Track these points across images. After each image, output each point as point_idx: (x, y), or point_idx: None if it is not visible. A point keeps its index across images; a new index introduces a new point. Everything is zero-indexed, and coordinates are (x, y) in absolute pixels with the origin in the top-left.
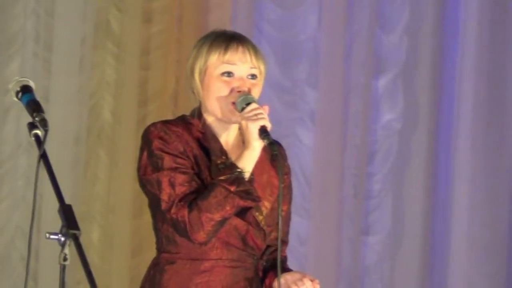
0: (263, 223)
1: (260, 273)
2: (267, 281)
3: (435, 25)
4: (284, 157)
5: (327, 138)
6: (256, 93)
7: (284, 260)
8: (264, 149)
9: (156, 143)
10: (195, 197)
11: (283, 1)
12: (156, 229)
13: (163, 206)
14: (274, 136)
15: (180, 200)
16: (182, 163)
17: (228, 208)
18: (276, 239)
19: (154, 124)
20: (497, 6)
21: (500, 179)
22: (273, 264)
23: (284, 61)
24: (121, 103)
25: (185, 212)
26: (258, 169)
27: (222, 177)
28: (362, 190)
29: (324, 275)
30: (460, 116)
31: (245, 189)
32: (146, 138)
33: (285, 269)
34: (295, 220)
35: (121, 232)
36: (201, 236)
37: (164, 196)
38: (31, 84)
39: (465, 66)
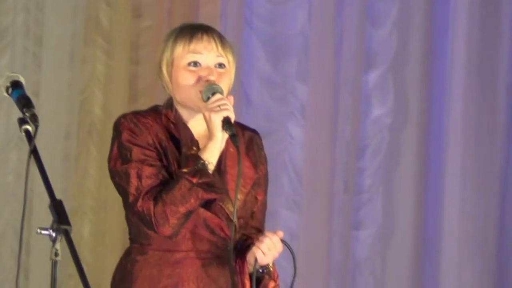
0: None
1: (234, 263)
2: (239, 261)
3: (425, 19)
4: (260, 147)
5: (318, 133)
6: (225, 83)
7: None
8: (240, 140)
9: (125, 134)
10: (161, 189)
11: None
12: (127, 220)
13: (131, 198)
14: (264, 130)
15: (146, 193)
16: (150, 155)
17: (192, 200)
18: (251, 228)
19: (124, 116)
20: (487, 0)
21: (491, 174)
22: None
23: (274, 55)
24: (111, 98)
25: (151, 205)
26: (231, 160)
27: (185, 169)
28: (352, 185)
29: (314, 269)
30: (450, 111)
31: (208, 181)
32: (116, 130)
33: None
34: (285, 215)
35: (112, 227)
36: (166, 229)
37: (132, 189)
38: (21, 79)
39: (455, 60)
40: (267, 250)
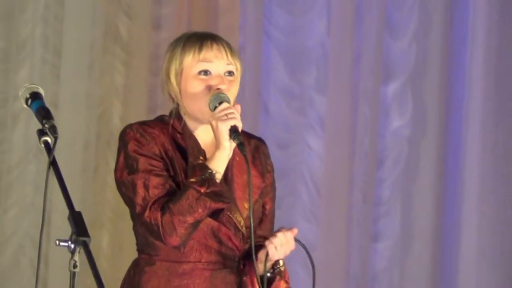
0: (242, 224)
1: (241, 274)
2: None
3: (444, 31)
4: (266, 155)
5: (336, 145)
6: (233, 91)
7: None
8: (246, 149)
9: (132, 145)
10: (168, 199)
11: (291, 7)
12: (135, 230)
13: (138, 209)
14: (282, 141)
15: (153, 203)
16: (157, 165)
17: (200, 210)
18: (259, 237)
19: (130, 126)
20: (506, 11)
21: (510, 185)
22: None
23: (293, 67)
24: (130, 109)
25: (158, 215)
26: (238, 169)
27: (193, 179)
28: (371, 196)
29: (332, 281)
30: (469, 122)
31: (216, 191)
32: (123, 140)
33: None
34: (303, 226)
35: (130, 238)
36: (174, 239)
37: (139, 199)
38: (41, 91)
39: (474, 72)
40: (279, 245)
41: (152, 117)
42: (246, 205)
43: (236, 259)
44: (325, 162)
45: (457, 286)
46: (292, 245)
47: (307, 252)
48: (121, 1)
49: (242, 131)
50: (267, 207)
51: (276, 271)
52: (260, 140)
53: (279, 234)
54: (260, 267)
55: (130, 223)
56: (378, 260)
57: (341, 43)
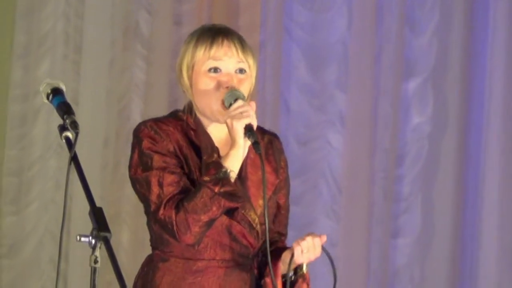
0: (256, 221)
1: (256, 271)
2: (267, 279)
3: (465, 27)
4: (280, 151)
5: (357, 141)
6: (245, 88)
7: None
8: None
9: (146, 142)
10: (182, 198)
11: (312, 4)
12: (149, 227)
13: (152, 206)
14: (303, 138)
15: (168, 201)
16: (171, 162)
17: (214, 209)
18: (274, 232)
19: (144, 123)
20: None
21: None
22: (274, 250)
23: (314, 64)
24: (150, 105)
25: (172, 213)
26: (252, 166)
27: (207, 178)
28: (391, 193)
29: (353, 277)
30: (490, 119)
31: (230, 190)
32: (137, 137)
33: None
34: (324, 223)
35: None
36: (188, 237)
37: (153, 197)
38: (62, 86)
39: (495, 68)
40: (305, 249)
41: None
42: (261, 203)
43: (250, 257)
44: (346, 158)
45: (477, 282)
46: (318, 252)
47: (332, 263)
48: None
49: (257, 126)
50: (281, 202)
51: (298, 273)
52: (273, 135)
53: (308, 238)
54: (282, 268)
55: None
56: (399, 257)
57: (361, 40)
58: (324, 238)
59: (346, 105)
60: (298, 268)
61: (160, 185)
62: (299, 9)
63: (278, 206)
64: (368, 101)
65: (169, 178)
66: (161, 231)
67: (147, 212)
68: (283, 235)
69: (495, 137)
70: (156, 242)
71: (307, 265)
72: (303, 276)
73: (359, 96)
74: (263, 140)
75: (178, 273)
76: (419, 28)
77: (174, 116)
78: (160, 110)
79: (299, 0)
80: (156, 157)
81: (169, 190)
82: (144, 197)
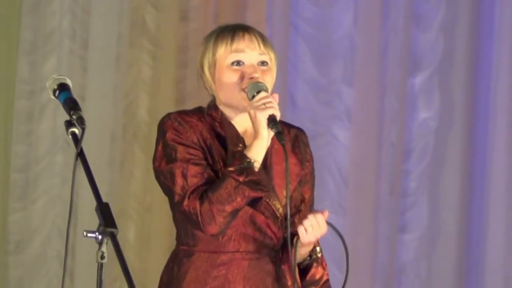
0: (280, 211)
1: (280, 263)
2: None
3: (471, 23)
4: (305, 144)
5: (363, 136)
6: (268, 80)
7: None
8: (285, 138)
9: (170, 133)
10: (206, 188)
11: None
12: (175, 221)
13: (176, 198)
14: (310, 133)
15: (192, 192)
16: (195, 153)
17: (239, 199)
18: (297, 226)
19: (168, 115)
20: None
21: None
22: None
23: (320, 59)
24: (157, 101)
25: (197, 204)
26: (277, 157)
27: (231, 168)
28: (398, 188)
29: (360, 272)
30: (496, 114)
31: (254, 179)
32: (161, 129)
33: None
34: (331, 218)
35: (157, 230)
36: (213, 228)
37: (177, 188)
38: (68, 82)
39: (501, 64)
40: (309, 227)
41: (179, 109)
42: (285, 193)
43: (275, 248)
44: (352, 153)
45: (484, 277)
46: (323, 228)
47: (340, 235)
48: None
49: (282, 121)
50: (306, 196)
51: (313, 257)
52: (299, 129)
53: (310, 216)
54: (297, 255)
55: (156, 215)
56: (405, 252)
57: (368, 35)
58: (326, 213)
59: (353, 100)
60: (312, 252)
61: (184, 176)
62: (305, 4)
63: (303, 200)
64: (375, 96)
65: (193, 170)
66: (186, 223)
67: (172, 205)
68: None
69: (501, 132)
70: (181, 236)
71: (320, 248)
72: (317, 259)
73: (366, 91)
74: (289, 134)
75: (202, 267)
76: (425, 23)
77: (198, 110)
78: (167, 105)
79: None
80: (180, 149)
81: (194, 181)
82: (168, 189)
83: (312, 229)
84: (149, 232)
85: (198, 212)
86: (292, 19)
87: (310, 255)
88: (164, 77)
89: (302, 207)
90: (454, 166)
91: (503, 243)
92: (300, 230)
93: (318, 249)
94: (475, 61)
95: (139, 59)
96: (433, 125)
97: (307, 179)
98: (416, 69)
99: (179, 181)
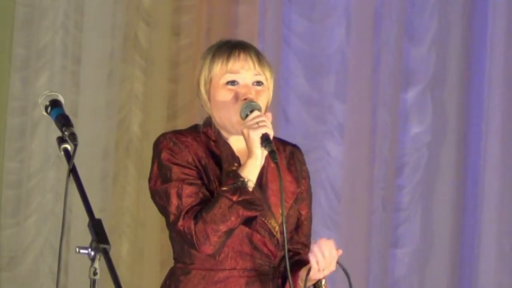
0: (276, 229)
1: (279, 281)
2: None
3: (463, 37)
4: (301, 162)
5: (356, 151)
6: (263, 100)
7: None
8: (280, 156)
9: (165, 154)
10: (201, 208)
11: (310, 14)
12: (171, 239)
13: (171, 218)
14: (302, 148)
15: (187, 212)
16: (190, 173)
17: (233, 218)
18: (297, 243)
19: (164, 135)
20: None
21: None
22: (294, 265)
23: (312, 74)
24: (149, 116)
25: (191, 224)
26: (272, 175)
27: (225, 188)
28: (390, 202)
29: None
30: (489, 129)
31: (247, 199)
32: (156, 149)
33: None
34: (323, 233)
35: (150, 245)
36: (207, 247)
37: (172, 208)
38: (60, 98)
39: (493, 78)
40: (322, 267)
41: (171, 124)
42: (281, 211)
43: (272, 266)
44: (345, 168)
45: None
46: (333, 267)
47: (348, 278)
48: (141, 9)
49: (277, 138)
50: (303, 212)
51: None
52: (295, 146)
53: (326, 253)
54: (300, 285)
55: (149, 231)
56: (398, 266)
57: (360, 50)
58: (340, 251)
59: (345, 115)
60: (317, 284)
61: (179, 196)
62: (297, 19)
63: (300, 217)
64: (367, 111)
65: (188, 189)
66: (182, 242)
67: (167, 224)
68: (307, 246)
69: (494, 146)
70: (178, 254)
71: (325, 280)
72: None
73: (358, 106)
74: (285, 152)
75: (200, 285)
76: (418, 37)
77: (193, 129)
78: (160, 121)
79: (297, 10)
80: (175, 169)
81: (188, 201)
82: (163, 209)
83: (323, 267)
84: (142, 247)
85: (193, 232)
86: (284, 34)
87: (315, 285)
88: (156, 92)
89: (299, 224)
90: (447, 180)
91: (496, 257)
92: (313, 268)
93: (323, 281)
94: (467, 75)
95: (132, 74)
96: (425, 140)
97: (304, 196)
98: (409, 83)
99: (174, 201)
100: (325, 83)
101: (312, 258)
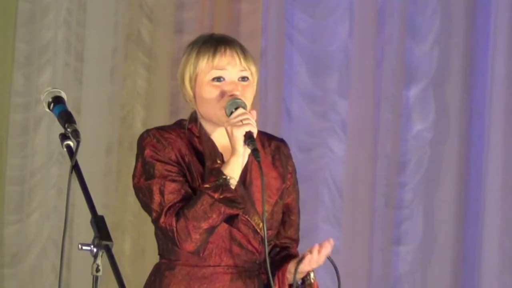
0: (260, 226)
1: (263, 277)
2: (276, 278)
3: (466, 34)
4: (287, 156)
5: (358, 148)
6: (248, 96)
7: (296, 255)
8: (265, 151)
9: (148, 150)
10: (183, 205)
11: (313, 11)
12: (156, 235)
13: (154, 215)
14: (305, 145)
15: (169, 209)
16: (173, 170)
17: (214, 216)
18: (284, 238)
19: (147, 131)
20: None
21: None
22: (282, 260)
23: (315, 71)
24: (152, 113)
25: (173, 221)
26: (257, 172)
27: (207, 185)
28: (393, 200)
29: (355, 285)
30: (491, 126)
31: (229, 197)
32: (140, 146)
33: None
34: (326, 230)
35: (152, 242)
36: (189, 244)
37: (155, 205)
38: (63, 95)
39: (496, 75)
40: (312, 263)
41: (174, 121)
42: (266, 208)
43: (257, 262)
44: (347, 165)
45: None
46: (322, 261)
47: (336, 271)
48: (143, 6)
49: (263, 133)
50: (291, 207)
51: (306, 282)
52: (281, 141)
53: (314, 251)
54: (288, 277)
55: (152, 227)
56: (401, 264)
57: (363, 47)
58: (332, 242)
59: (348, 112)
60: (305, 277)
61: (162, 193)
62: (300, 16)
63: (288, 212)
64: (370, 108)
65: (170, 186)
66: (165, 239)
67: (152, 221)
68: (295, 240)
69: (496, 143)
70: (163, 251)
71: (314, 274)
72: (310, 285)
73: (361, 103)
74: (270, 147)
75: (184, 280)
76: (420, 35)
77: (178, 124)
78: (162, 117)
79: (300, 7)
80: (158, 166)
81: (170, 198)
82: (146, 206)
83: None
84: (144, 244)
85: (174, 229)
86: (287, 31)
87: (303, 280)
88: (159, 89)
89: (286, 219)
90: (449, 177)
91: (499, 254)
92: (303, 263)
93: (312, 275)
94: (470, 72)
95: (134, 71)
96: (428, 137)
97: (290, 190)
98: (411, 80)
99: (157, 197)
100: (328, 80)
101: (307, 253)
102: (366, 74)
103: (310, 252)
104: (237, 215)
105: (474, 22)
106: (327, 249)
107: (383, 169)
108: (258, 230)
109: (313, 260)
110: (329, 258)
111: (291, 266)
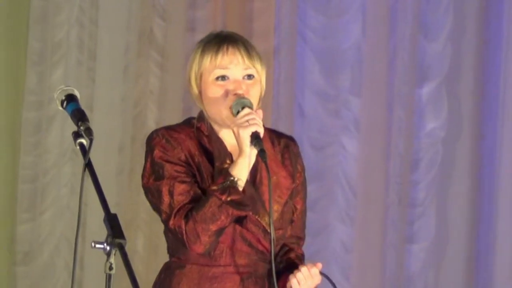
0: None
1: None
2: (280, 283)
3: (479, 32)
4: (296, 155)
5: (371, 146)
6: (255, 93)
7: (301, 257)
8: (275, 150)
9: (157, 151)
10: (192, 207)
11: (326, 10)
12: (165, 234)
13: (163, 216)
14: (318, 143)
15: (178, 211)
16: (182, 171)
17: (223, 217)
18: (292, 236)
19: (156, 131)
20: None
21: None
22: (287, 265)
23: (328, 69)
24: (165, 111)
25: (182, 223)
26: (266, 171)
27: (214, 187)
28: (406, 198)
29: (368, 283)
30: (504, 124)
31: (236, 199)
32: (149, 146)
33: (297, 267)
34: (339, 228)
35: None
36: (198, 246)
37: (164, 206)
38: (76, 93)
39: (509, 73)
40: (302, 280)
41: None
42: (275, 207)
43: (268, 262)
44: (360, 163)
45: (493, 286)
46: (317, 279)
47: (333, 285)
48: (156, 4)
49: (273, 130)
50: (298, 206)
51: None
52: (290, 138)
53: (303, 269)
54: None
55: None
56: (414, 262)
57: (376, 45)
58: (320, 265)
59: (361, 110)
60: None
61: (171, 194)
62: (313, 14)
63: (295, 210)
64: (382, 106)
65: (179, 188)
66: (175, 239)
67: (161, 220)
68: (301, 238)
69: (509, 142)
70: (172, 250)
71: None
72: None
73: (373, 101)
74: (280, 145)
75: (194, 279)
76: (433, 33)
77: (187, 123)
78: (175, 116)
79: (313, 5)
80: (167, 166)
81: (180, 199)
82: (155, 206)
83: (305, 281)
84: (157, 242)
85: (184, 231)
86: (300, 29)
87: None
88: (172, 88)
89: (294, 218)
90: (462, 176)
91: None
92: (293, 282)
93: None
94: (483, 70)
95: (147, 69)
96: (441, 135)
97: (299, 189)
98: (424, 79)
99: (166, 199)
100: (341, 78)
101: (291, 278)
102: (379, 72)
103: (294, 276)
104: (246, 215)
105: (486, 20)
106: (317, 266)
107: (396, 167)
108: (268, 230)
109: (307, 279)
110: (324, 275)
111: (288, 286)
